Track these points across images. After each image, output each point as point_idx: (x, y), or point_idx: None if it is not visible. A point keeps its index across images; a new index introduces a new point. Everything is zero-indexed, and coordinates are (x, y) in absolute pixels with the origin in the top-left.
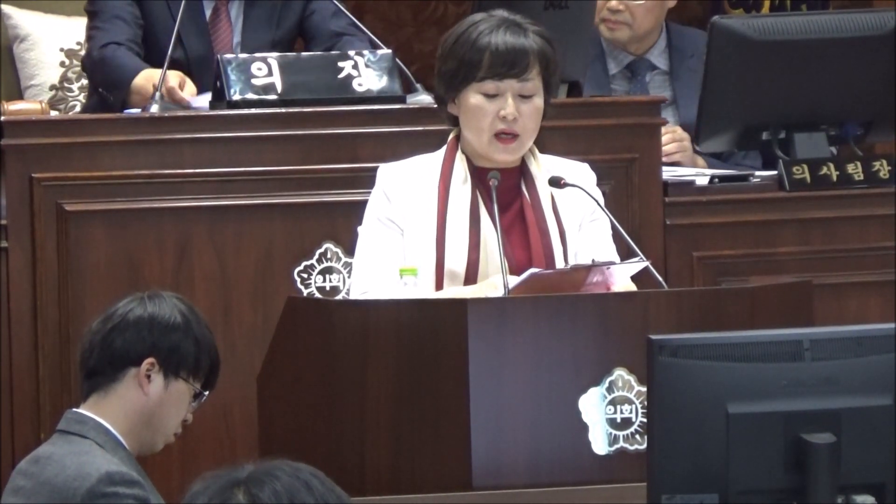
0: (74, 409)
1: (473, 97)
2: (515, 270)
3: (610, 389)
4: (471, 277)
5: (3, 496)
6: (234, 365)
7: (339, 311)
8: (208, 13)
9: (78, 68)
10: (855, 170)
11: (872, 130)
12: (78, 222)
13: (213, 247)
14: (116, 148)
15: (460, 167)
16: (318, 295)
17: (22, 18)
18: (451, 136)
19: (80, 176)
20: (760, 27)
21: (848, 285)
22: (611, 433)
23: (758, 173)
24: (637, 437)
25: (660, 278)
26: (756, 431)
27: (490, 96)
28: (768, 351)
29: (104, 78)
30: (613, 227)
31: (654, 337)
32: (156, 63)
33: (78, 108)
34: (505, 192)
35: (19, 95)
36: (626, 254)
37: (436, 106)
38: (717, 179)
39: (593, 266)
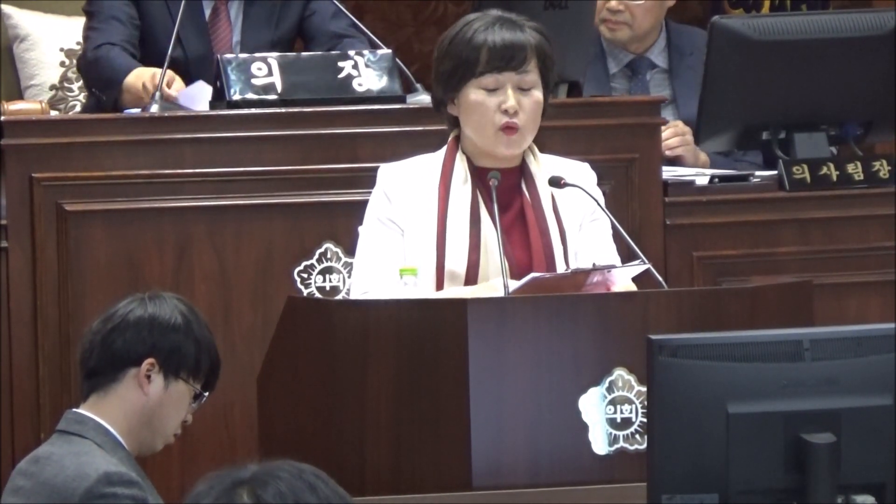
0: (74, 410)
1: (474, 94)
2: (516, 270)
3: (610, 389)
4: (471, 278)
5: (2, 496)
6: (234, 365)
7: (339, 311)
8: (207, 13)
9: None
10: (855, 170)
11: (872, 130)
12: (78, 222)
13: (213, 247)
14: (116, 148)
15: (460, 167)
16: (318, 295)
17: (22, 18)
18: (451, 137)
19: (80, 176)
20: (760, 27)
21: (848, 285)
22: (611, 433)
23: (758, 173)
24: (637, 437)
25: (660, 278)
26: (756, 431)
27: (490, 91)
28: (768, 351)
29: (97, 78)
30: (613, 227)
31: (654, 337)
32: (155, 63)
33: (78, 108)
34: (505, 192)
35: (19, 95)
36: (626, 254)
37: (434, 109)
38: (717, 179)
39: (594, 270)
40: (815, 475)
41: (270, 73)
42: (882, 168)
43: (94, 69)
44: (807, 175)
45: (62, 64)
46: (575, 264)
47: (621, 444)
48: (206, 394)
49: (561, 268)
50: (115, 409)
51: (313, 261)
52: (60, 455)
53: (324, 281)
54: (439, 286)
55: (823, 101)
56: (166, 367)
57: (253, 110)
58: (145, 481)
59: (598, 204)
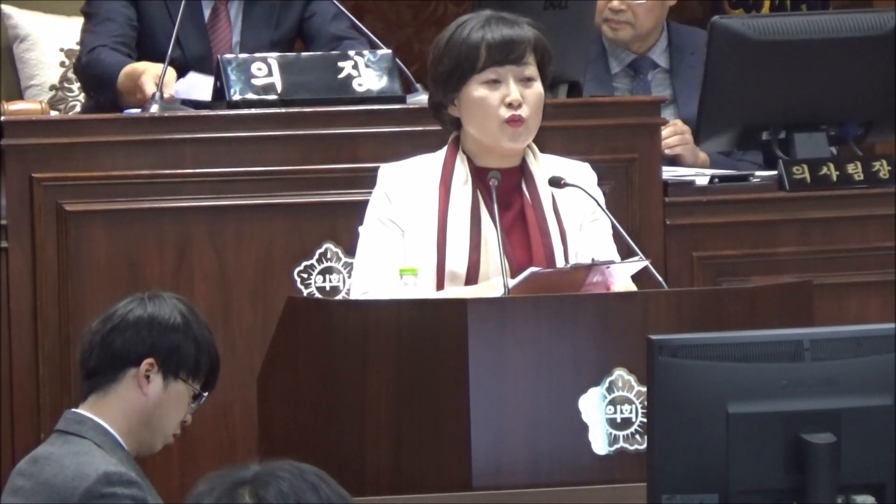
0: (73, 410)
1: (476, 90)
2: (516, 271)
3: (610, 389)
4: (472, 278)
5: (2, 496)
6: (234, 365)
7: (339, 311)
8: (207, 13)
9: None
10: (855, 170)
11: (872, 130)
12: (78, 222)
13: (213, 247)
14: (116, 148)
15: (461, 168)
16: (318, 295)
17: (22, 18)
18: (451, 137)
19: (80, 176)
20: (760, 27)
21: (848, 285)
22: (611, 433)
23: (758, 173)
24: (637, 437)
25: (660, 278)
26: (756, 431)
27: (492, 86)
28: (768, 351)
29: (92, 81)
30: (613, 228)
31: (654, 337)
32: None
33: (78, 108)
34: (505, 192)
35: (19, 95)
36: (626, 254)
37: (432, 112)
38: (717, 179)
39: (593, 265)
40: (815, 475)
41: (270, 74)
42: (882, 168)
43: (88, 73)
44: (807, 175)
45: (62, 64)
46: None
47: (621, 444)
48: (206, 394)
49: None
50: (115, 409)
51: (313, 261)
52: (60, 455)
53: (324, 281)
54: (439, 286)
55: (823, 101)
56: (165, 368)
57: (253, 110)
58: (145, 481)
59: (599, 204)
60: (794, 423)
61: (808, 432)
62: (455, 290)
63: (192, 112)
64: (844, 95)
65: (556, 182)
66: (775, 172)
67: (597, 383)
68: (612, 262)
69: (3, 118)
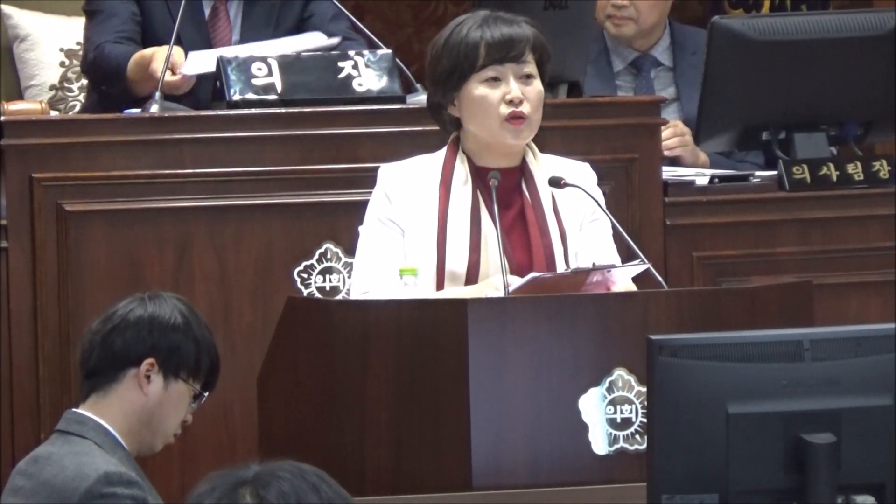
0: (74, 409)
1: (476, 89)
2: (516, 271)
3: (610, 389)
4: (472, 278)
5: (2, 496)
6: (234, 365)
7: (339, 311)
8: (207, 12)
9: (78, 68)
10: (855, 170)
11: (872, 130)
12: (78, 222)
13: (213, 247)
14: (116, 148)
15: (461, 168)
16: (318, 295)
17: (22, 18)
18: (451, 137)
19: (80, 176)
20: (760, 27)
21: (848, 285)
22: (611, 433)
23: (758, 173)
24: (637, 437)
25: (660, 279)
26: (756, 431)
27: (492, 84)
28: (768, 351)
29: (102, 75)
30: (613, 228)
31: (654, 337)
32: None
33: (78, 108)
34: (505, 192)
35: (19, 95)
36: (626, 254)
37: (431, 112)
38: (717, 179)
39: (594, 269)
40: (815, 475)
41: (270, 74)
42: (882, 168)
43: (97, 68)
44: (807, 175)
45: (62, 64)
46: (575, 264)
47: (621, 444)
48: (206, 394)
49: (561, 268)
50: (115, 409)
51: (313, 261)
52: (60, 455)
53: (324, 281)
54: (439, 286)
55: (823, 101)
56: (166, 368)
57: (253, 110)
58: (145, 481)
59: (599, 204)
60: (794, 423)
61: (808, 432)
62: (455, 290)
63: (192, 112)
64: (844, 95)
65: (556, 182)
66: (775, 172)
67: (597, 383)
68: (614, 266)
69: (3, 118)
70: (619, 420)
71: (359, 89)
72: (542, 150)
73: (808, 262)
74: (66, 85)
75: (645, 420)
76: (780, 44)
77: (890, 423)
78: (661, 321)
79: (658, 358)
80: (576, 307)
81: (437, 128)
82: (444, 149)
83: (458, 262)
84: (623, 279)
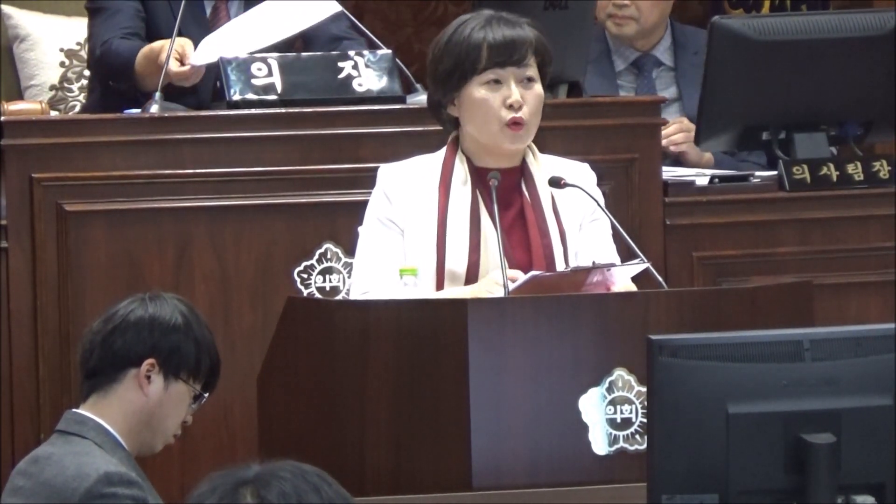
0: (74, 410)
1: (477, 90)
2: (516, 269)
3: (610, 389)
4: (471, 278)
5: (2, 496)
6: (234, 365)
7: (339, 311)
8: (208, 11)
9: (78, 68)
10: (855, 170)
11: (872, 130)
12: (78, 222)
13: (213, 247)
14: (116, 148)
15: (460, 168)
16: (318, 295)
17: (22, 18)
18: (450, 137)
19: (80, 176)
20: (760, 27)
21: (848, 285)
22: (611, 433)
23: (758, 173)
24: (637, 437)
25: (660, 278)
26: (756, 431)
27: (492, 87)
28: (768, 351)
29: (109, 71)
30: (613, 227)
31: (654, 337)
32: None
33: (78, 108)
34: (505, 192)
35: (19, 95)
36: (626, 254)
37: (431, 111)
38: (717, 179)
39: (594, 268)
40: (815, 475)
41: (270, 74)
42: (882, 168)
43: (104, 64)
44: (807, 175)
45: (62, 64)
46: (575, 264)
47: (621, 444)
48: (206, 395)
49: (561, 268)
50: (115, 410)
51: (313, 261)
52: (60, 455)
53: (324, 281)
54: (439, 286)
55: (823, 101)
56: (166, 368)
57: (253, 110)
58: (145, 481)
59: (598, 204)
60: (794, 423)
61: (808, 432)
62: (455, 290)
63: (192, 112)
64: (844, 95)
65: (555, 182)
66: (775, 172)
67: (597, 383)
68: (613, 265)
69: (3, 118)
70: (619, 420)
71: (359, 89)
72: (542, 150)
73: (808, 262)
74: (66, 85)
75: (645, 420)
76: (780, 44)
77: (890, 423)
78: (661, 321)
79: (658, 358)
80: (576, 307)
81: (437, 128)
82: (444, 149)
83: (457, 262)
84: (623, 279)
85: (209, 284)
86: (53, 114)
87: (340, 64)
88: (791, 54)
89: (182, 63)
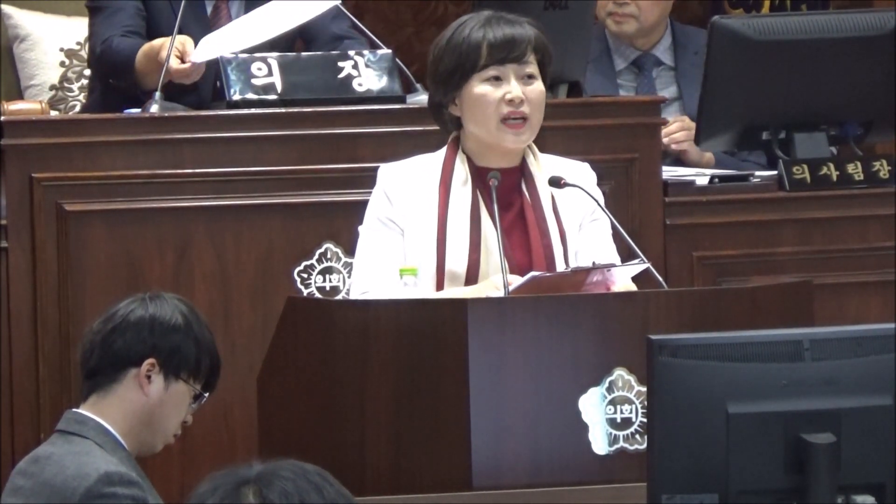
0: (74, 410)
1: (477, 87)
2: (516, 271)
3: (610, 389)
4: (471, 278)
5: (2, 496)
6: (234, 365)
7: (339, 311)
8: (209, 10)
9: (78, 68)
10: (855, 170)
11: (872, 130)
12: (78, 222)
13: (213, 247)
14: (116, 148)
15: (461, 168)
16: (318, 295)
17: (22, 18)
18: (451, 137)
19: (80, 176)
20: (760, 27)
21: (848, 285)
22: (611, 433)
23: (758, 173)
24: (637, 437)
25: (660, 278)
26: (756, 431)
27: (494, 84)
28: (768, 351)
29: (110, 69)
30: (613, 227)
31: (654, 337)
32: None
33: (78, 108)
34: (505, 192)
35: (19, 95)
36: (626, 254)
37: (432, 112)
38: (717, 179)
39: (594, 268)
40: (815, 475)
41: (270, 73)
42: (882, 168)
43: (105, 62)
44: (807, 175)
45: (62, 64)
46: (575, 264)
47: (621, 444)
48: (206, 394)
49: (561, 268)
50: (116, 410)
51: (313, 261)
52: (60, 455)
53: (324, 281)
54: (439, 286)
55: (823, 101)
56: (166, 368)
57: (253, 110)
58: (145, 481)
59: (598, 204)
60: (794, 423)
61: (808, 432)
62: (455, 290)
63: (192, 112)
64: (844, 95)
65: (556, 182)
66: (775, 172)
67: (597, 383)
68: (614, 265)
69: (3, 118)
70: (619, 420)
71: (359, 89)
72: (542, 150)
73: (808, 262)
74: (66, 85)
75: (645, 420)
76: (780, 44)
77: (890, 423)
78: (661, 321)
79: (658, 358)
80: (576, 307)
81: (437, 128)
82: (444, 149)
83: (458, 262)
84: (623, 279)
85: (209, 284)
86: (53, 114)
87: (340, 64)
88: (791, 54)
89: (182, 60)
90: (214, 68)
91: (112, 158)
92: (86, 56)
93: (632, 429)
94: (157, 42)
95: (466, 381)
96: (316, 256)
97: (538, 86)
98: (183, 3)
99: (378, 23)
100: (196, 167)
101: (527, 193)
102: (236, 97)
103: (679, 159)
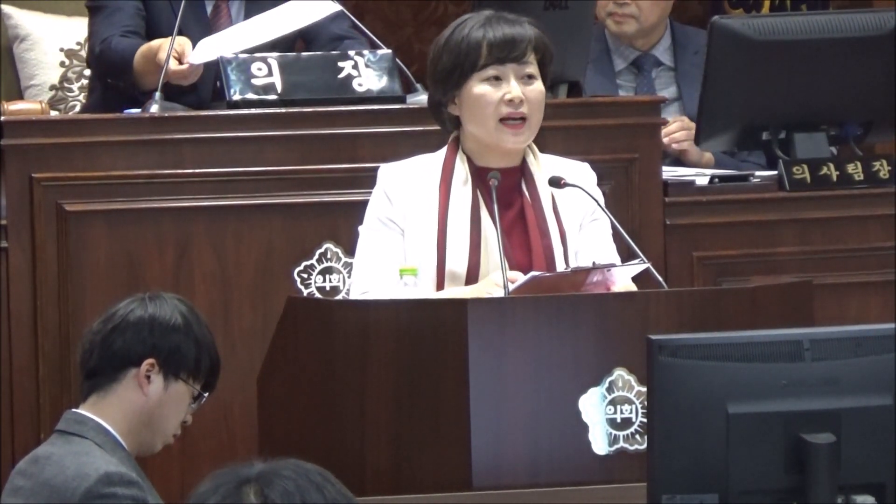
0: (74, 410)
1: (477, 87)
2: (516, 270)
3: (610, 389)
4: (472, 278)
5: (2, 496)
6: (234, 365)
7: (339, 311)
8: (209, 10)
9: (78, 68)
10: (855, 170)
11: (872, 130)
12: (78, 222)
13: (213, 247)
14: (116, 148)
15: (461, 167)
16: (318, 295)
17: (22, 18)
18: (451, 137)
19: (80, 176)
20: (760, 27)
21: (848, 285)
22: (611, 433)
23: (758, 173)
24: (637, 437)
25: (660, 278)
26: (756, 431)
27: (493, 83)
28: (768, 351)
29: (108, 68)
30: (613, 227)
31: (654, 337)
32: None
33: (78, 108)
34: (505, 192)
35: (19, 95)
36: (626, 254)
37: (431, 111)
38: (717, 179)
39: (594, 268)
40: (815, 475)
41: (270, 73)
42: (882, 168)
43: (103, 61)
44: (807, 175)
45: (62, 64)
46: (575, 264)
47: (621, 444)
48: (206, 395)
49: (561, 268)
50: (115, 410)
51: (313, 261)
52: (60, 455)
53: (324, 281)
54: (440, 286)
55: (823, 101)
56: (166, 368)
57: (253, 110)
58: (145, 481)
59: (598, 204)
60: (794, 423)
61: (808, 432)
62: (455, 290)
63: (192, 112)
64: (844, 95)
65: (556, 182)
66: (775, 172)
67: (597, 383)
68: (614, 265)
69: (3, 118)
70: (619, 420)
71: (359, 89)
72: (542, 150)
73: (808, 262)
74: (66, 85)
75: (645, 420)
76: (780, 44)
77: (890, 423)
78: (661, 321)
79: (658, 358)
80: (576, 307)
81: (437, 128)
82: (444, 148)
83: (458, 262)
84: (623, 279)
85: (209, 284)
86: (53, 114)
87: (340, 64)
88: (791, 54)
89: (180, 62)
90: (214, 68)
91: (112, 158)
92: (86, 56)
93: (632, 429)
94: (155, 43)
95: (466, 381)
96: (316, 256)
97: (538, 86)
98: (183, 3)
99: (378, 23)
100: (196, 167)
101: (527, 193)
102: (236, 97)
103: (679, 159)
